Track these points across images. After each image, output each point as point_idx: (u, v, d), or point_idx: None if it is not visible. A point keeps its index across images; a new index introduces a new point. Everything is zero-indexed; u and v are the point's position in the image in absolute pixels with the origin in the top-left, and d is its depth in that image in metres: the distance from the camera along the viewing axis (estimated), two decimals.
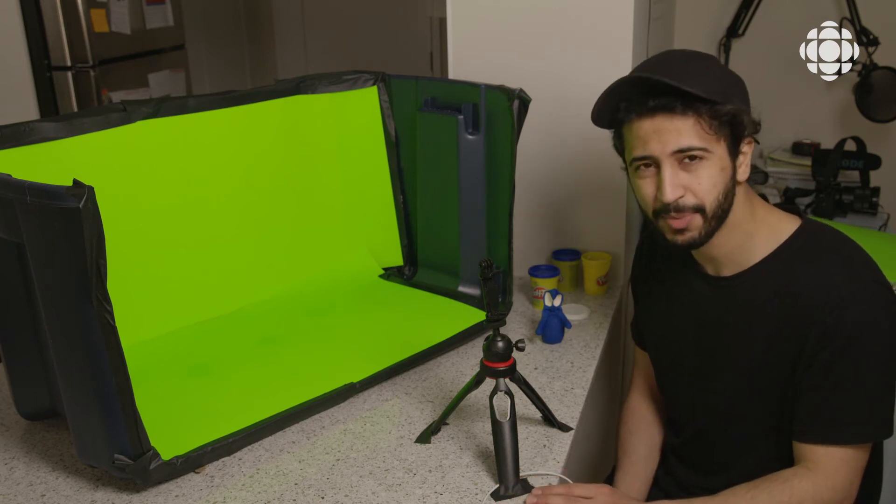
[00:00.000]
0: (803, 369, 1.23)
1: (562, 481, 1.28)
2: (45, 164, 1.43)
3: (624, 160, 1.32)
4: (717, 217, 1.25)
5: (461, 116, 1.73)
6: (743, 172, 1.26)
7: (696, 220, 1.24)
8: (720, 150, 1.22)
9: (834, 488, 1.22)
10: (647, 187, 1.26)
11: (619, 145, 1.31)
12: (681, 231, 1.25)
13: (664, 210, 1.25)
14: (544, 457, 1.33)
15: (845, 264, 1.25)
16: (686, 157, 1.22)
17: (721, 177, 1.23)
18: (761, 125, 1.28)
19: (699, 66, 1.25)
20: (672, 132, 1.21)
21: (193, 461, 1.29)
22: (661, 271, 1.44)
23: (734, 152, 1.24)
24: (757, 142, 1.30)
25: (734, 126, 1.22)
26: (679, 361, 1.43)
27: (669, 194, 1.23)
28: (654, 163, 1.24)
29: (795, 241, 1.28)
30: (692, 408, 1.43)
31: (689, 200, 1.23)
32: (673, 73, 1.20)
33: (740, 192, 1.27)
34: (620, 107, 1.26)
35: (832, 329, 1.19)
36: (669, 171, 1.23)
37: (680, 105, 1.19)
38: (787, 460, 1.32)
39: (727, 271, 1.32)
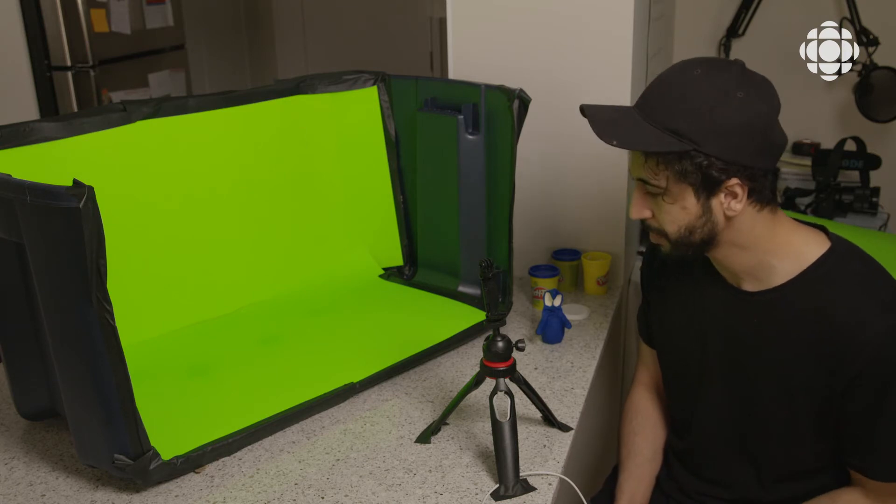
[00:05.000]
0: (842, 400, 1.21)
1: (562, 482, 1.28)
2: (45, 164, 1.43)
3: None
4: (686, 244, 1.23)
5: (461, 116, 1.73)
6: (732, 209, 1.19)
7: (664, 241, 1.26)
8: (682, 191, 1.19)
9: None
10: None
11: None
12: (656, 242, 1.29)
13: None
14: (544, 457, 1.33)
15: (878, 294, 1.21)
16: (647, 185, 1.22)
17: (682, 215, 1.20)
18: (770, 175, 1.20)
19: (700, 101, 1.15)
20: (637, 162, 1.22)
21: (193, 461, 1.29)
22: (677, 271, 1.40)
23: (706, 196, 1.18)
24: (752, 190, 1.19)
25: (703, 176, 1.16)
26: (689, 365, 1.39)
27: (632, 213, 1.26)
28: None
29: (823, 264, 1.23)
30: (698, 413, 1.40)
31: (654, 224, 1.26)
32: (658, 105, 1.18)
33: (748, 217, 1.20)
34: None
35: (872, 364, 1.17)
36: (637, 192, 1.25)
37: None
38: (796, 478, 1.32)
39: (748, 286, 1.28)
